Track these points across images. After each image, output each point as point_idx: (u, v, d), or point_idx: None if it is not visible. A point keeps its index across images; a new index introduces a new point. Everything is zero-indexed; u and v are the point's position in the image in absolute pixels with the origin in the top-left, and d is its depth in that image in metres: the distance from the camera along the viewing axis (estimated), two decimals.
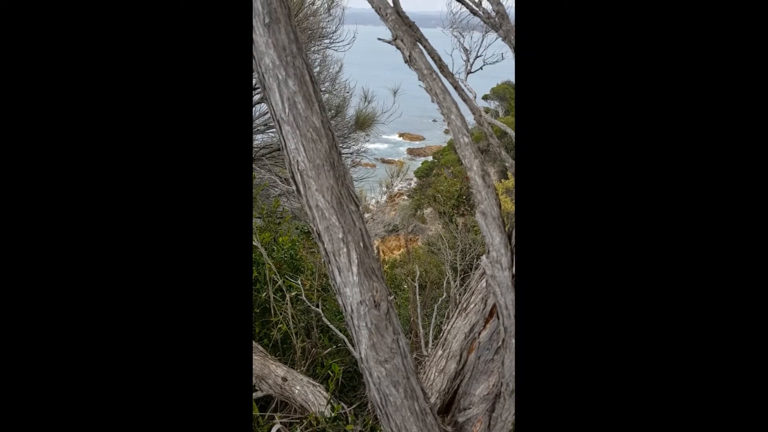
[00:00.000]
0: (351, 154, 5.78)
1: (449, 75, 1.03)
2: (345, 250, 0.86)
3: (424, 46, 0.98)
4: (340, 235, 0.85)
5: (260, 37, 0.70)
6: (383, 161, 20.08)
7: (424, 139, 27.81)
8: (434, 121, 29.07)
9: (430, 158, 19.63)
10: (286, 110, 0.75)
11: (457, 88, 1.09)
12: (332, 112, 5.40)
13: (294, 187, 0.84)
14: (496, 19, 1.16)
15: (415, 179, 18.01)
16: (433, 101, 0.92)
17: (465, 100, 1.10)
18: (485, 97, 20.19)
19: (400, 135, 27.54)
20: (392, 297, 0.96)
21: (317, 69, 5.23)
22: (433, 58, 1.00)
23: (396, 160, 19.32)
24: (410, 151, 25.58)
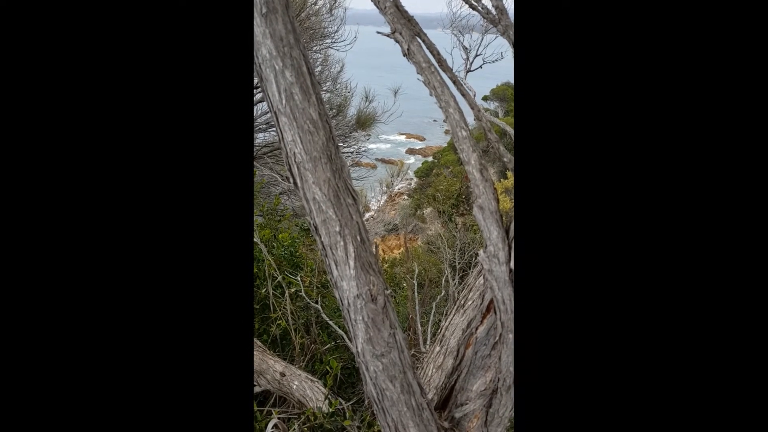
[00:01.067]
0: (351, 153, 5.79)
1: (448, 69, 1.03)
2: (342, 243, 0.86)
3: (423, 41, 0.97)
4: (337, 228, 0.85)
5: (257, 27, 0.70)
6: (383, 161, 20.10)
7: (425, 139, 27.80)
8: (434, 120, 29.06)
9: (430, 158, 19.64)
10: (283, 101, 0.75)
11: (456, 83, 1.09)
12: (333, 111, 5.41)
13: (291, 180, 0.83)
14: (495, 14, 1.15)
15: (415, 179, 18.02)
16: (431, 95, 0.91)
17: (464, 95, 1.10)
18: (485, 98, 20.19)
19: (401, 134, 27.53)
20: (389, 291, 0.96)
21: (319, 68, 5.24)
22: (432, 52, 1.00)
23: (396, 160, 19.33)
24: (411, 151, 25.58)
